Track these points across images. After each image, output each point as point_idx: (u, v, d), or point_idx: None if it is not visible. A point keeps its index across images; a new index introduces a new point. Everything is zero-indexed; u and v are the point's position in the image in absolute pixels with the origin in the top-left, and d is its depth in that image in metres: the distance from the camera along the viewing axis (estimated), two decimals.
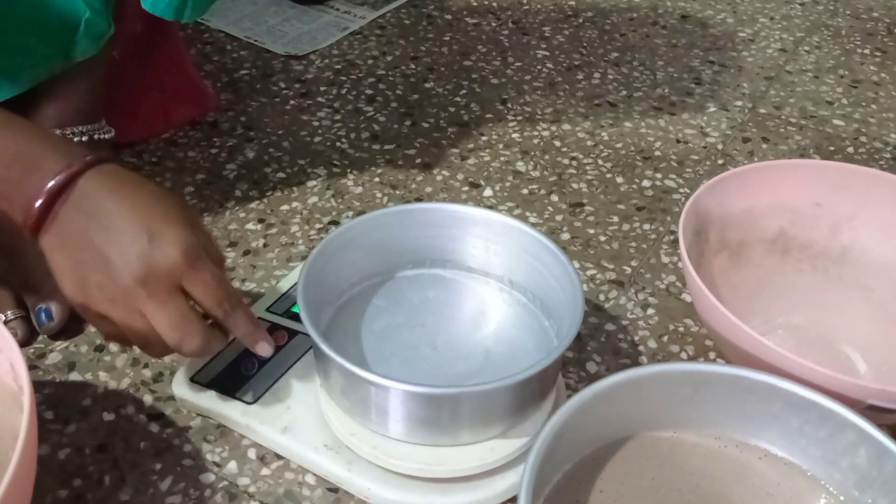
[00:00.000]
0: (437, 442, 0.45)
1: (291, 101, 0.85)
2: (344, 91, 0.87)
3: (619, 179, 0.75)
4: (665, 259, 0.67)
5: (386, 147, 0.79)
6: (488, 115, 0.83)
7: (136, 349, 0.48)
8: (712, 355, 0.58)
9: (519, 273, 0.54)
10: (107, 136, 0.64)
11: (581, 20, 1.02)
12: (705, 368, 0.45)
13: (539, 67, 0.92)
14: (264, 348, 0.48)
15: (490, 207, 0.72)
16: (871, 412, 0.45)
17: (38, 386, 0.54)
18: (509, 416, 0.46)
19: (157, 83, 0.77)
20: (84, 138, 0.62)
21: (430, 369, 0.49)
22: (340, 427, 0.47)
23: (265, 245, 0.67)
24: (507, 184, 0.74)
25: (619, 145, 0.80)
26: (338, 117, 0.83)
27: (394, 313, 0.53)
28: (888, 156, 0.80)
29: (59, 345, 0.57)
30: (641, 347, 0.59)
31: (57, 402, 0.53)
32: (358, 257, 0.52)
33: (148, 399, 0.54)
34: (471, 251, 0.55)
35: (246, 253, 0.66)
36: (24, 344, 0.57)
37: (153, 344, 0.45)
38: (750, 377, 0.44)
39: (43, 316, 0.56)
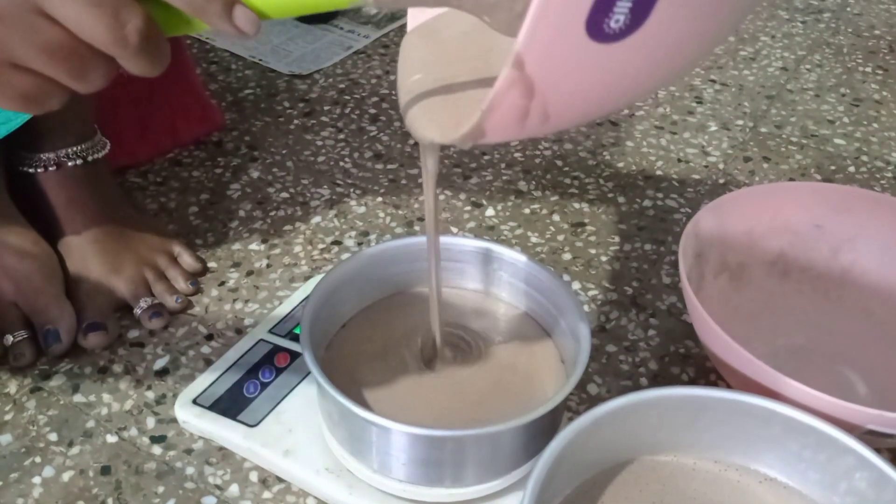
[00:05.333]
0: (441, 485, 0.45)
1: (295, 121, 0.85)
2: (347, 110, 0.87)
3: (621, 199, 0.76)
4: (666, 279, 0.67)
5: (389, 166, 0.79)
6: None
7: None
8: (713, 377, 0.59)
9: (525, 303, 0.54)
10: (101, 154, 0.65)
11: None
12: (705, 393, 0.45)
13: None
14: (243, 19, 0.32)
15: (492, 227, 0.72)
16: (870, 437, 0.45)
17: (42, 407, 0.55)
18: (519, 455, 0.46)
19: (166, 101, 0.78)
20: (78, 161, 0.63)
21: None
22: (341, 450, 0.47)
23: (268, 266, 0.67)
24: (509, 203, 0.75)
25: (620, 165, 0.80)
26: (341, 136, 0.83)
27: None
28: (889, 175, 0.80)
29: (64, 366, 0.58)
30: (642, 369, 0.59)
31: (61, 424, 0.54)
32: (354, 289, 0.53)
33: (151, 421, 0.54)
34: (470, 284, 0.55)
35: (249, 273, 0.66)
36: (29, 365, 0.57)
37: (80, 55, 0.32)
38: (749, 402, 0.44)
39: (50, 337, 0.57)
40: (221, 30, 0.32)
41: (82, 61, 0.32)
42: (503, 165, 0.80)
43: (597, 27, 0.28)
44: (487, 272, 0.54)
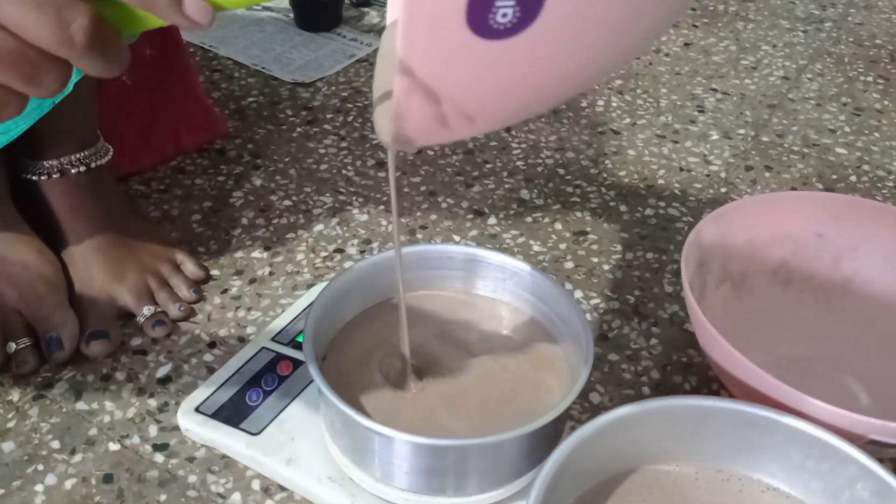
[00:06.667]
0: (443, 494, 0.45)
1: (298, 129, 0.86)
2: (350, 118, 0.88)
3: (623, 208, 0.76)
4: (668, 288, 0.67)
5: None
6: (493, 143, 0.84)
7: None
8: (715, 386, 0.59)
9: (531, 310, 0.54)
10: (104, 160, 0.65)
11: None
12: (707, 403, 0.45)
13: None
14: (194, 9, 0.31)
15: (494, 236, 0.72)
16: (873, 447, 0.45)
17: (44, 415, 0.55)
18: (522, 464, 0.46)
19: (169, 108, 0.78)
20: (82, 168, 0.63)
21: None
22: (344, 459, 0.47)
23: (271, 273, 0.67)
24: (511, 212, 0.75)
25: (622, 173, 0.81)
26: (344, 144, 0.84)
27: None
28: (891, 184, 0.80)
29: (66, 374, 0.58)
30: (644, 378, 0.59)
31: (63, 432, 0.54)
32: (357, 297, 0.53)
33: (153, 429, 0.54)
34: (474, 291, 0.55)
35: (252, 281, 0.66)
36: (32, 373, 0.57)
37: (29, 59, 0.31)
38: (751, 412, 0.44)
39: (52, 345, 0.57)
40: (174, 22, 0.31)
41: (33, 65, 0.31)
42: (505, 174, 0.80)
43: (482, 24, 0.26)
44: (491, 280, 0.54)
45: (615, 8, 0.28)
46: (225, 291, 0.65)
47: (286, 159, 0.81)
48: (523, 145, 0.84)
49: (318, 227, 0.72)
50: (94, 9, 0.31)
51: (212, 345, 0.60)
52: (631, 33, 0.30)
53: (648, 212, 0.75)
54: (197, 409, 0.53)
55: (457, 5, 0.25)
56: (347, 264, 0.68)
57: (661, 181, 0.80)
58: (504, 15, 0.26)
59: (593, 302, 0.66)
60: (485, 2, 0.25)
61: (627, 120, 0.89)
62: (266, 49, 1.00)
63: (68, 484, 0.51)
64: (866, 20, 1.12)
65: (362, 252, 0.70)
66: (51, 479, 0.51)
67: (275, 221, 0.73)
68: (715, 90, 0.95)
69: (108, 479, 0.51)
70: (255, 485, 0.51)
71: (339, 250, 0.70)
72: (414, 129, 0.31)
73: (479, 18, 0.26)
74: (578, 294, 0.66)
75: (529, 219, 0.74)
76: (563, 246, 0.71)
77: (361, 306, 0.54)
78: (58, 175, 0.62)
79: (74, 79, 0.37)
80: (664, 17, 0.31)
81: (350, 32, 1.05)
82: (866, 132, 0.88)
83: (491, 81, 0.29)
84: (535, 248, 0.71)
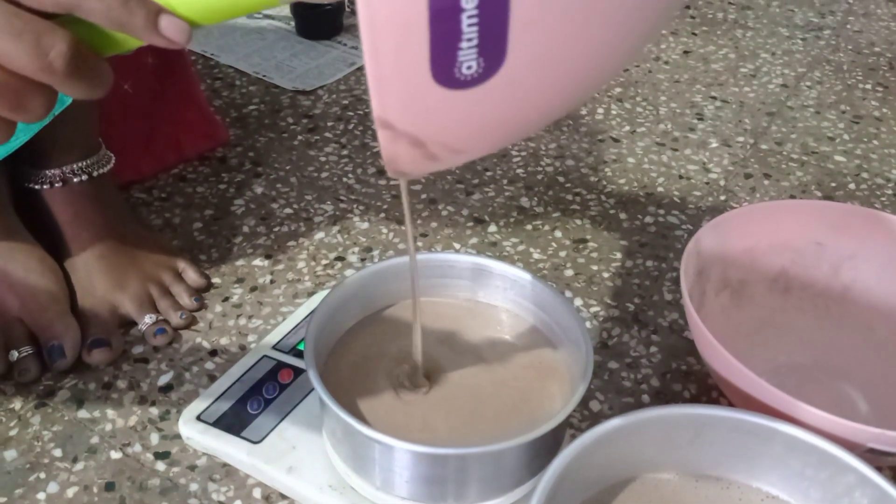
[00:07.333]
0: (443, 502, 0.46)
1: (299, 137, 0.86)
2: (351, 126, 0.88)
3: (623, 215, 0.76)
4: (668, 296, 0.67)
5: (392, 182, 0.80)
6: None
7: None
8: (715, 394, 0.59)
9: (532, 318, 0.54)
10: (106, 169, 0.65)
11: None
12: (706, 411, 0.45)
13: None
14: (170, 29, 0.31)
15: (494, 244, 0.72)
16: (871, 455, 0.45)
17: (46, 423, 0.55)
18: (522, 472, 0.46)
19: (170, 116, 0.79)
20: (84, 176, 0.63)
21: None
22: (345, 467, 0.48)
23: (272, 281, 0.67)
24: (512, 219, 0.75)
25: (622, 181, 0.81)
26: (345, 152, 0.84)
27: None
28: (889, 192, 0.81)
29: (68, 382, 0.58)
30: (644, 386, 0.59)
31: (65, 440, 0.54)
32: (358, 305, 0.53)
33: (154, 437, 0.54)
34: (476, 299, 0.55)
35: (253, 289, 0.67)
36: (34, 381, 0.57)
37: (12, 86, 0.31)
38: (751, 420, 0.45)
39: (54, 353, 0.57)
40: (152, 43, 0.32)
41: (16, 93, 0.31)
42: (505, 182, 0.80)
43: (448, 77, 0.26)
44: (492, 289, 0.55)
45: (580, 44, 0.29)
46: (226, 299, 0.66)
47: (287, 167, 0.81)
48: (523, 153, 0.84)
49: (319, 235, 0.73)
50: (72, 34, 0.31)
51: (213, 353, 0.61)
52: (601, 63, 0.31)
53: (648, 220, 0.76)
54: (198, 418, 0.53)
55: (420, 63, 0.26)
56: (348, 272, 0.68)
57: (660, 189, 0.80)
58: (469, 67, 0.26)
59: (593, 310, 0.66)
60: (447, 58, 0.26)
61: (627, 128, 0.89)
62: (267, 57, 1.01)
63: (70, 492, 0.51)
64: (865, 28, 1.13)
65: (363, 260, 0.70)
66: (53, 488, 0.51)
67: (276, 229, 0.73)
68: (714, 98, 0.95)
69: (109, 487, 0.51)
70: (257, 493, 0.51)
71: (340, 258, 0.70)
72: (406, 166, 0.32)
73: (445, 72, 0.26)
74: (578, 302, 0.66)
75: (529, 227, 0.75)
76: (562, 254, 0.71)
77: (362, 314, 0.54)
78: (60, 184, 0.63)
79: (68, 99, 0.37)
80: (632, 46, 0.32)
81: (351, 40, 1.05)
82: (865, 140, 0.89)
83: (470, 123, 0.30)
84: (535, 255, 0.71)
